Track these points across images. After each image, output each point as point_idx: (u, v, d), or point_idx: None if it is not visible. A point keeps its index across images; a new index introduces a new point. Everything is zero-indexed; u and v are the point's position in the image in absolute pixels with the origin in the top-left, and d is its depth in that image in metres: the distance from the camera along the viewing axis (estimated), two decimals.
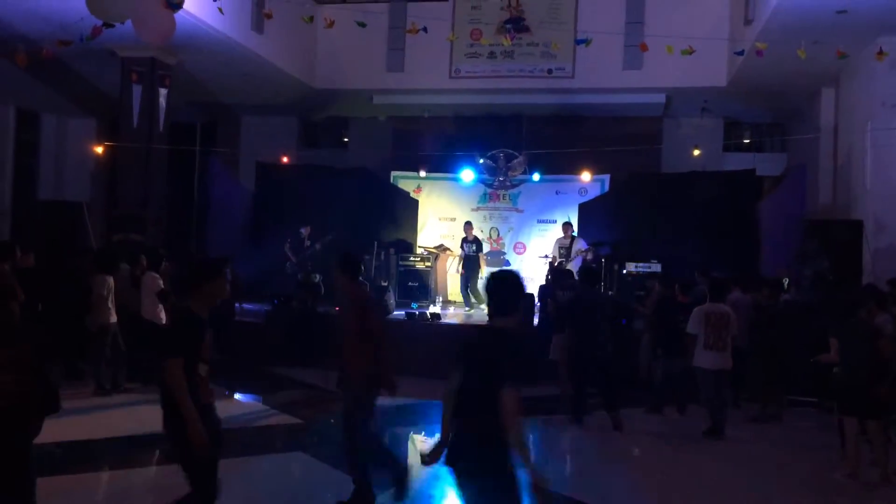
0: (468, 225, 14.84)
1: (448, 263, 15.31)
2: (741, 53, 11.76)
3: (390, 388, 5.51)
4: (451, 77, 15.92)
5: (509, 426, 3.50)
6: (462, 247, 14.59)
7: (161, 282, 9.57)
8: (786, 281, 11.07)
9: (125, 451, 6.88)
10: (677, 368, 8.83)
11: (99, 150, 15.63)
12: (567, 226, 14.23)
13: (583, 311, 8.52)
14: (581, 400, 8.55)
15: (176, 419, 4.08)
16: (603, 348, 8.49)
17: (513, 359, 3.66)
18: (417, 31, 10.94)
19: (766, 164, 16.80)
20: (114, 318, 9.14)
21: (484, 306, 13.19)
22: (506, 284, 3.88)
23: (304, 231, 14.10)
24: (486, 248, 15.40)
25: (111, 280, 9.22)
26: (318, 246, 13.84)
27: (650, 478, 6.80)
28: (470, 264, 14.33)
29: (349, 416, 5.51)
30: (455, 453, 3.73)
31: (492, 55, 15.74)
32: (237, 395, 9.70)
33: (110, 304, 9.12)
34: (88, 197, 17.56)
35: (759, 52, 10.46)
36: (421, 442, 7.63)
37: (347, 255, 5.76)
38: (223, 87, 15.98)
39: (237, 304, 12.11)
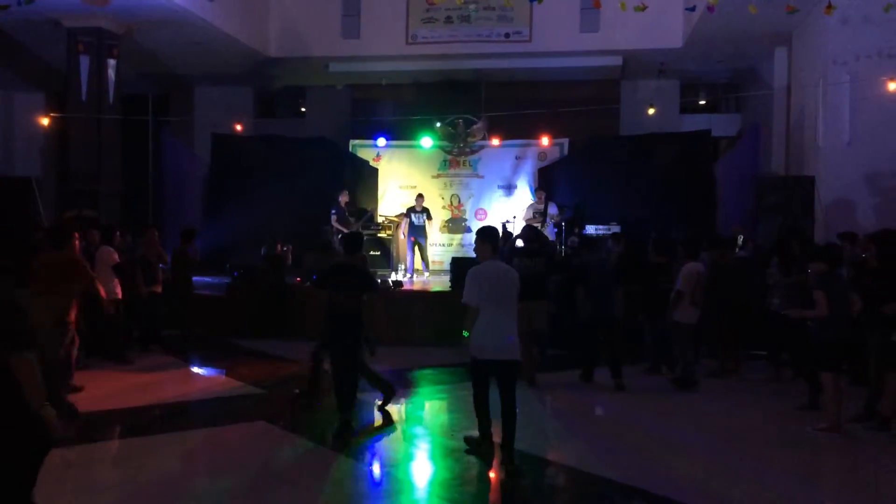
0: (419, 197, 14.83)
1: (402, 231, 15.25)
2: (692, 10, 11.74)
3: None
4: (407, 43, 15.75)
5: None
6: (411, 217, 14.65)
7: (116, 255, 9.41)
8: (740, 238, 11.25)
9: (86, 425, 6.79)
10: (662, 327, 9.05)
11: (46, 123, 15.20)
12: (541, 191, 14.42)
13: (594, 275, 8.63)
14: (593, 362, 8.78)
15: None
16: (613, 312, 8.62)
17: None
18: None
19: (722, 125, 17.02)
20: None
21: (427, 274, 14.39)
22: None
23: (342, 199, 13.88)
24: (437, 217, 15.59)
25: None
26: (359, 228, 13.59)
27: (623, 439, 6.80)
28: (419, 232, 14.60)
29: None
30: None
31: (448, 20, 15.60)
32: (198, 369, 9.63)
33: None
34: (39, 172, 17.14)
35: (710, 9, 10.37)
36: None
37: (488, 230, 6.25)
38: (175, 57, 15.62)
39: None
